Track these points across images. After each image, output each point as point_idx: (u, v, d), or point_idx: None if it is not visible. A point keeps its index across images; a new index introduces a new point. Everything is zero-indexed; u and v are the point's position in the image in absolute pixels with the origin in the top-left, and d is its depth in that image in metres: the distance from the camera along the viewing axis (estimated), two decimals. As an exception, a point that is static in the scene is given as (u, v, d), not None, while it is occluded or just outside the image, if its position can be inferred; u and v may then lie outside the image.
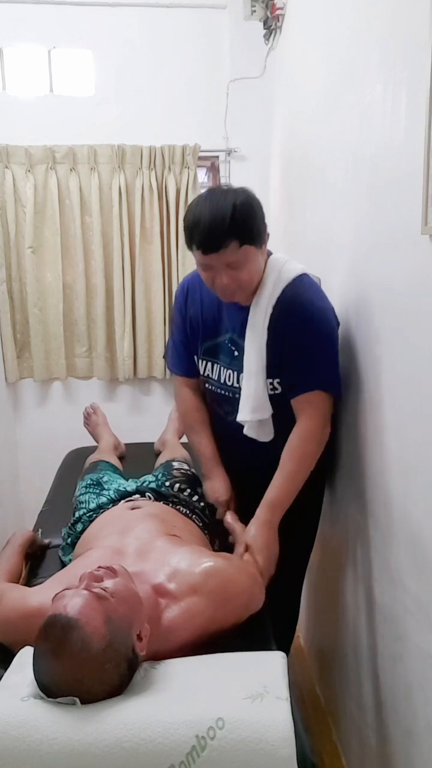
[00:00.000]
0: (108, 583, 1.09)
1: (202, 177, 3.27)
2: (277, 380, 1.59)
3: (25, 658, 1.09)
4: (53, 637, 1.00)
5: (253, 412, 1.60)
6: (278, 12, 2.43)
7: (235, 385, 1.65)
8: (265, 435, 1.63)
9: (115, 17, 2.98)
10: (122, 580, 1.12)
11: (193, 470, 2.04)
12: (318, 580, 2.08)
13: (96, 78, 3.05)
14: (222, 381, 1.68)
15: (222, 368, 1.67)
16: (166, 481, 1.84)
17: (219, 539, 1.71)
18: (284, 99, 2.52)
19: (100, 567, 1.13)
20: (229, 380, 1.66)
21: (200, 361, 1.72)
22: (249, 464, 1.69)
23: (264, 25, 2.62)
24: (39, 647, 1.02)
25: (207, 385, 1.74)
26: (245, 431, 1.64)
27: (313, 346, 1.53)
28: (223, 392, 1.69)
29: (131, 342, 3.20)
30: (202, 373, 1.72)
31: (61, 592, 1.07)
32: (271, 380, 1.59)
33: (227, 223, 1.39)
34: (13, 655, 1.14)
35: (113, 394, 3.36)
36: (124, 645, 1.03)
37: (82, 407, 2.76)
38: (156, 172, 3.06)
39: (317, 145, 1.94)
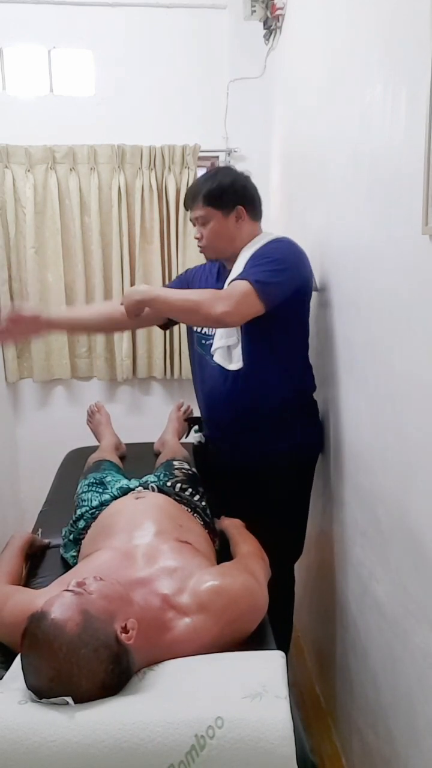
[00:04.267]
0: (90, 584, 1.10)
1: (202, 177, 3.27)
2: None
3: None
4: (29, 633, 1.02)
5: (220, 338, 1.78)
6: (278, 12, 2.43)
7: None
8: (233, 362, 1.76)
9: (115, 17, 2.98)
10: (107, 582, 1.13)
11: (193, 469, 2.04)
12: (318, 579, 2.09)
13: (96, 78, 3.04)
14: None
15: None
16: (168, 480, 1.84)
17: (219, 538, 1.71)
18: (284, 99, 2.52)
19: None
20: None
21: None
22: (224, 398, 1.83)
23: (264, 25, 2.62)
24: (22, 650, 1.04)
25: (204, 341, 1.89)
26: (215, 358, 1.80)
27: (267, 254, 1.71)
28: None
29: (130, 342, 3.19)
30: (200, 331, 1.91)
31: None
32: None
33: (197, 188, 1.79)
34: (15, 658, 1.14)
35: (113, 395, 3.36)
36: (103, 632, 1.02)
37: (82, 407, 2.76)
38: (156, 172, 3.06)
39: (317, 145, 1.94)
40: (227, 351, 1.78)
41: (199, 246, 1.86)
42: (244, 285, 1.62)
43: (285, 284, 1.69)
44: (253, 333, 1.73)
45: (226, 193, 1.77)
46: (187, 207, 1.84)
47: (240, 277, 1.66)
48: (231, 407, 1.83)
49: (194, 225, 1.84)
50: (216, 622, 1.20)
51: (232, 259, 1.81)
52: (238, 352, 1.75)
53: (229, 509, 1.81)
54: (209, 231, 1.79)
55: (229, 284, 1.70)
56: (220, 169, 1.87)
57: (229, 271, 1.81)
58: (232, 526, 1.70)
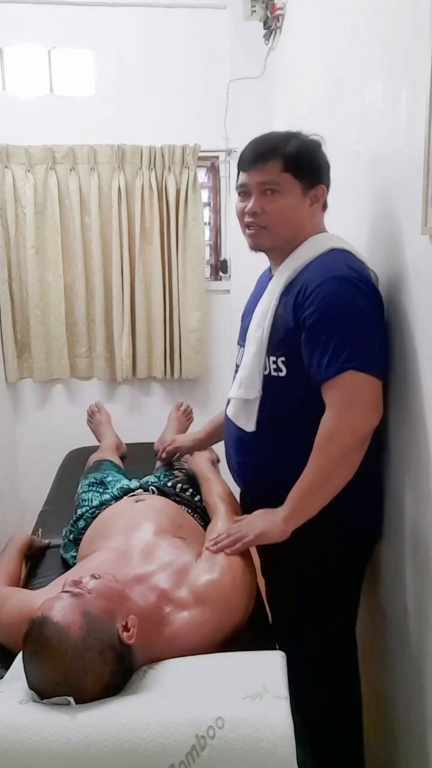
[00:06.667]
0: (87, 583, 1.10)
1: (202, 177, 3.26)
2: (282, 359, 1.31)
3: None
4: (32, 638, 1.01)
5: (239, 387, 1.38)
6: (278, 12, 2.43)
7: None
8: (246, 422, 1.39)
9: (115, 17, 2.99)
10: (104, 580, 1.13)
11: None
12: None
13: (96, 78, 3.05)
14: None
15: None
16: (168, 480, 1.85)
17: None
18: (284, 99, 2.52)
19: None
20: None
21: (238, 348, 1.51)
22: (235, 460, 1.49)
23: (264, 25, 2.63)
24: (23, 653, 1.04)
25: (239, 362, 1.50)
26: (228, 411, 1.44)
27: (334, 320, 1.23)
28: None
29: (130, 342, 3.20)
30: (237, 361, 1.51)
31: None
32: (274, 358, 1.32)
33: (275, 141, 1.34)
34: (15, 658, 1.14)
35: (113, 395, 3.36)
36: (106, 633, 1.03)
37: (82, 407, 2.76)
38: (156, 172, 3.06)
39: (317, 145, 1.94)
40: (242, 405, 1.38)
41: (251, 225, 1.34)
42: (358, 378, 1.21)
43: (377, 334, 1.26)
44: (283, 393, 1.32)
45: (314, 163, 1.34)
46: (251, 165, 1.33)
47: (330, 370, 1.21)
48: (248, 474, 1.46)
49: (242, 194, 1.35)
50: (212, 614, 1.21)
51: (282, 256, 1.36)
52: (253, 412, 1.36)
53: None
54: (278, 207, 1.31)
55: (323, 384, 1.24)
56: (292, 133, 1.37)
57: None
58: (202, 464, 1.72)
